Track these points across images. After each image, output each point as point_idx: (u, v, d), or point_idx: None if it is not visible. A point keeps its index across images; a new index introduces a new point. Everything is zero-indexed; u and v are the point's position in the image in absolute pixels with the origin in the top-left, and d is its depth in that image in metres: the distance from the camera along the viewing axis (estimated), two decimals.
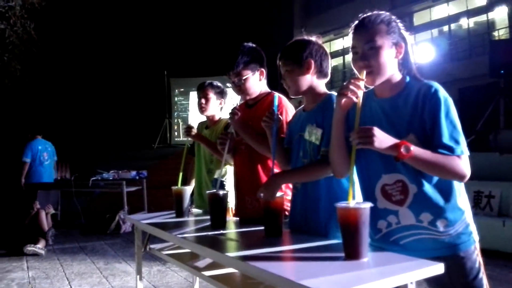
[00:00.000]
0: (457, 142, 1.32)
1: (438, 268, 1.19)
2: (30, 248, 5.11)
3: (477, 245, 1.41)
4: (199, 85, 2.94)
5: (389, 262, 1.27)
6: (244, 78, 2.17)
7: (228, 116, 2.22)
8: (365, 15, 1.46)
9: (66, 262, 4.84)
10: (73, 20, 18.08)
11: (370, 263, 1.24)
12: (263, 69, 2.23)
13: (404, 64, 1.47)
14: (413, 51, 1.48)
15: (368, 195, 1.48)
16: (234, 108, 2.14)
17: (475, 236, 1.41)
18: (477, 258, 1.39)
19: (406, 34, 1.47)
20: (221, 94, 2.91)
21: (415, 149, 1.27)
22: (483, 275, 1.39)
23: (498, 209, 4.89)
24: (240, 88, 2.20)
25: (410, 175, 1.38)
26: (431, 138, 1.33)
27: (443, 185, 1.37)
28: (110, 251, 5.41)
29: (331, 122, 1.59)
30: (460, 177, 1.32)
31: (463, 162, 1.31)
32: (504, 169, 5.35)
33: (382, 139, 1.28)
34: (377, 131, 1.28)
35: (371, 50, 1.41)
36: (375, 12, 1.46)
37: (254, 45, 2.25)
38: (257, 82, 2.22)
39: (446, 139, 1.31)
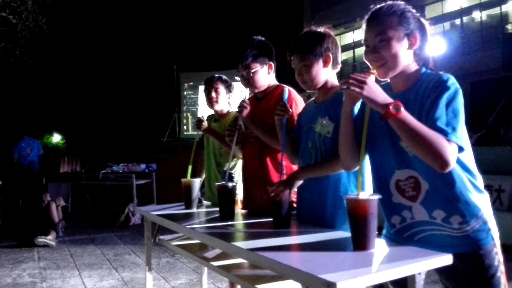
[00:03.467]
0: (454, 129, 1.23)
1: (446, 259, 1.18)
2: (41, 239, 5.20)
3: (497, 242, 1.35)
4: (207, 79, 2.94)
5: (397, 253, 1.27)
6: (252, 71, 2.17)
7: (236, 110, 2.21)
8: (377, 7, 1.42)
9: (77, 253, 4.91)
10: (85, 15, 18.19)
11: (378, 254, 1.24)
12: (271, 63, 2.23)
13: (420, 55, 1.43)
14: (431, 41, 1.44)
15: (383, 190, 1.44)
16: (243, 101, 2.14)
17: (494, 233, 1.35)
18: (496, 256, 1.34)
19: (425, 24, 1.43)
20: (229, 87, 2.92)
21: (405, 112, 1.22)
22: (501, 274, 1.34)
23: (508, 203, 4.85)
24: (249, 81, 2.20)
25: (423, 171, 1.33)
26: (425, 122, 1.26)
27: (457, 181, 1.32)
28: (119, 243, 5.47)
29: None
30: (441, 162, 1.21)
31: (451, 149, 1.21)
32: None
33: (374, 90, 1.25)
34: (371, 81, 1.26)
35: (382, 43, 1.37)
36: (388, 2, 1.42)
37: (263, 39, 2.25)
38: (265, 76, 2.22)
39: (441, 123, 1.24)
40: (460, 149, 1.25)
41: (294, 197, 2.04)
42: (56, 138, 19.27)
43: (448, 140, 1.22)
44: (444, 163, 1.21)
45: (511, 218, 4.48)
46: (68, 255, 4.83)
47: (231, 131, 2.17)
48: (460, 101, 1.29)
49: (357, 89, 1.24)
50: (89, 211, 7.38)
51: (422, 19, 1.44)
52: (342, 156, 1.52)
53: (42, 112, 17.17)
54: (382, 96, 1.26)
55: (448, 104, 1.27)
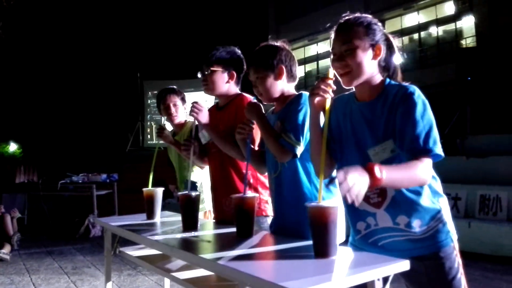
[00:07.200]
0: (435, 142, 1.30)
1: (403, 265, 1.21)
2: None
3: (456, 244, 1.41)
4: (161, 95, 2.95)
5: (356, 259, 1.28)
6: (212, 69, 2.17)
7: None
8: (345, 18, 1.47)
9: (33, 267, 4.70)
10: (45, 20, 17.64)
11: (338, 261, 1.25)
12: (235, 73, 2.23)
13: (385, 67, 1.47)
14: (398, 54, 1.49)
15: None
16: (193, 105, 2.13)
17: (453, 236, 1.40)
18: (456, 259, 1.39)
19: (390, 37, 1.48)
20: (184, 99, 2.98)
21: (386, 174, 1.18)
22: (461, 276, 1.39)
23: (464, 210, 5.05)
24: (206, 79, 2.20)
25: None
26: (402, 140, 1.31)
27: (418, 186, 1.37)
28: (78, 255, 5.28)
29: (291, 112, 1.69)
30: (424, 184, 1.32)
31: (428, 168, 1.29)
32: (470, 172, 5.53)
33: (359, 181, 1.14)
34: (355, 178, 1.14)
35: (347, 51, 1.41)
36: (356, 14, 1.47)
37: (238, 52, 2.26)
38: (223, 81, 2.21)
39: (422, 141, 1.29)
40: (439, 156, 1.31)
41: (261, 206, 2.06)
42: (13, 147, 18.51)
43: (426, 157, 1.28)
44: (425, 183, 1.33)
45: (468, 225, 4.66)
46: (24, 269, 4.62)
47: (186, 145, 2.17)
48: (429, 111, 1.34)
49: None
50: (47, 223, 7.10)
51: (386, 33, 1.49)
52: (314, 164, 1.54)
53: None
54: (366, 182, 1.16)
55: (422, 119, 1.31)
